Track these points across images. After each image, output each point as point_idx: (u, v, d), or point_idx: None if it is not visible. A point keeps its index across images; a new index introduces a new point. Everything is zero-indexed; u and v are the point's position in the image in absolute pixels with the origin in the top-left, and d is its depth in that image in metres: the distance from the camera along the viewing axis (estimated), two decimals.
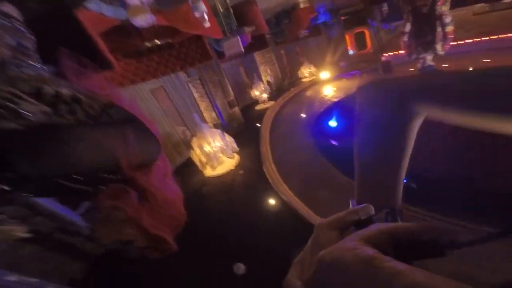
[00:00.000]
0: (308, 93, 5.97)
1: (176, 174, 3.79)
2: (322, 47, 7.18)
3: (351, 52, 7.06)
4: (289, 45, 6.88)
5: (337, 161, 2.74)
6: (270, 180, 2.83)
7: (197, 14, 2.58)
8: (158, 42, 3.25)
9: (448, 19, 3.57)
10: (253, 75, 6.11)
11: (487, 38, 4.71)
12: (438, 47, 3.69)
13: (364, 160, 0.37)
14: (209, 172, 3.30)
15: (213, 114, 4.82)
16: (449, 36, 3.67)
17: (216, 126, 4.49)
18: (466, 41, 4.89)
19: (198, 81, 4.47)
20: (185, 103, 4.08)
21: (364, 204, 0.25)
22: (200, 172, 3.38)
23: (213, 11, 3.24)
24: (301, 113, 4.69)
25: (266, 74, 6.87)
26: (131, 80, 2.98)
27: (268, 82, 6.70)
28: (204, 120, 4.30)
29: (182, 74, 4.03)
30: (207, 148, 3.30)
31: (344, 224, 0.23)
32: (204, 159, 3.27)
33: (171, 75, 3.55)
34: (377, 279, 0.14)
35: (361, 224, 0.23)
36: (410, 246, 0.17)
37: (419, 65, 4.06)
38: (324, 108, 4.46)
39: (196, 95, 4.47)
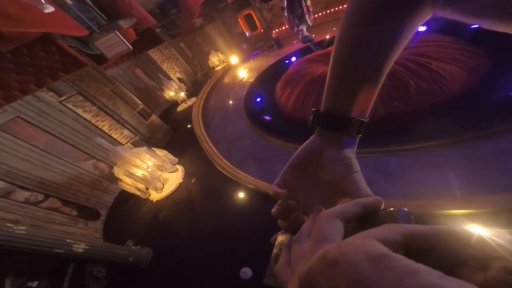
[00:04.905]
0: (226, 80, 5.83)
1: (114, 216, 3.02)
2: (221, 33, 7.05)
3: (247, 34, 7.60)
4: (187, 37, 6.29)
5: (277, 133, 2.85)
6: (227, 174, 2.73)
7: None
8: None
9: None
10: (158, 75, 5.39)
11: (329, 10, 6.15)
12: (307, 19, 4.36)
13: (339, 60, 0.31)
14: (155, 196, 2.64)
15: (125, 132, 3.92)
16: (310, 9, 4.39)
17: (135, 144, 3.72)
18: (319, 14, 6.27)
19: (80, 97, 3.43)
20: (74, 130, 2.97)
21: (371, 198, 0.23)
22: (146, 201, 2.71)
23: (58, 4, 2.36)
24: (227, 100, 4.53)
25: (174, 71, 6.11)
26: None
27: (179, 79, 6.13)
28: (115, 143, 3.45)
29: (44, 94, 2.77)
30: (138, 172, 2.70)
31: (349, 216, 0.21)
32: (142, 186, 2.66)
33: (23, 98, 2.32)
34: (386, 278, 0.12)
35: (366, 219, 0.21)
36: (421, 252, 0.16)
37: (300, 37, 4.87)
38: (246, 90, 4.49)
39: (87, 115, 3.40)
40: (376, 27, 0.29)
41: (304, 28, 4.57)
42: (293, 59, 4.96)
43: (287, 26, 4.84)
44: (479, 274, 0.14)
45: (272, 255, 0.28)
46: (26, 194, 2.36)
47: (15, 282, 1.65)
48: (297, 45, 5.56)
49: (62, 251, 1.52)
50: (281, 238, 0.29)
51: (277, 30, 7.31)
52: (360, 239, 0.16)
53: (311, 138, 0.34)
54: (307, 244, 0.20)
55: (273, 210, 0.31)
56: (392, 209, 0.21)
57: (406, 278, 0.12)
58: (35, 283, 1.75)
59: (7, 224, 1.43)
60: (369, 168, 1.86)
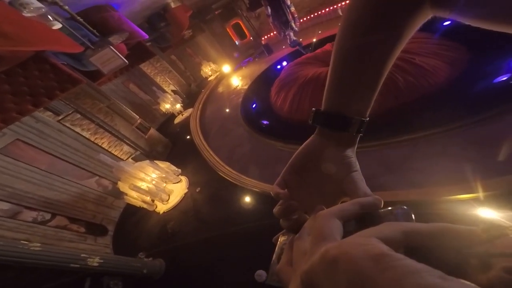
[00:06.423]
0: (220, 89, 5.92)
1: (123, 231, 2.93)
2: (212, 43, 7.19)
3: (237, 42, 7.79)
4: (177, 49, 6.38)
5: (276, 135, 2.93)
6: (231, 180, 2.64)
7: (26, 14, 1.51)
8: None
9: (289, 2, 4.39)
10: (152, 88, 5.43)
11: (313, 15, 6.42)
12: (293, 24, 4.51)
13: (339, 61, 0.31)
14: (162, 207, 2.64)
15: (125, 148, 3.91)
16: (296, 16, 4.59)
17: (136, 159, 3.72)
18: (304, 18, 6.46)
19: (78, 115, 3.45)
20: (75, 149, 2.99)
21: (370, 197, 0.24)
22: (152, 213, 2.70)
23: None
24: (224, 109, 4.60)
25: (168, 84, 6.14)
26: None
27: (174, 91, 6.19)
28: (116, 159, 3.45)
29: (41, 114, 2.74)
30: (143, 185, 2.71)
31: (348, 215, 0.21)
32: (148, 198, 2.66)
33: (21, 120, 2.24)
34: (387, 278, 0.12)
35: (365, 218, 0.21)
36: (422, 250, 0.16)
37: (288, 42, 4.93)
38: (242, 97, 4.58)
39: (85, 134, 3.41)
40: (376, 30, 0.29)
41: (291, 33, 4.76)
42: (284, 63, 5.13)
43: (275, 32, 5.03)
44: (481, 274, 0.14)
45: (274, 254, 0.28)
46: (33, 214, 2.34)
47: None
48: (286, 49, 5.74)
49: (78, 265, 1.52)
50: (283, 237, 0.29)
51: (266, 37, 7.54)
52: (361, 238, 0.16)
53: (311, 137, 0.34)
54: (308, 243, 0.20)
55: (275, 210, 0.31)
56: (391, 208, 0.21)
57: (406, 278, 0.12)
58: None
59: (22, 241, 1.43)
60: (371, 161, 1.93)
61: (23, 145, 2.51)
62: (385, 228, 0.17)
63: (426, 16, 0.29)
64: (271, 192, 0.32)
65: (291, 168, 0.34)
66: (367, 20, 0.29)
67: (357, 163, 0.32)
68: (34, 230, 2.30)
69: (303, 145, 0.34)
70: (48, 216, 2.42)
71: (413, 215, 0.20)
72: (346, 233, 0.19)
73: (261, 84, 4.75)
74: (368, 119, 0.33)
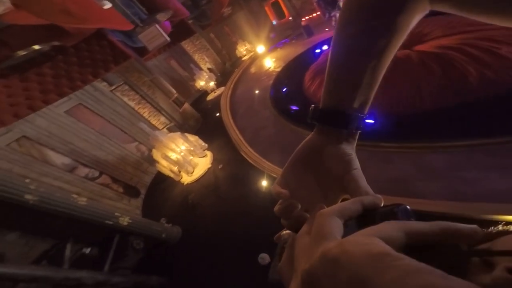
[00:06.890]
0: (252, 69, 5.84)
1: (151, 195, 3.29)
2: (249, 22, 6.98)
3: (274, 22, 7.37)
4: (216, 27, 6.38)
5: (303, 123, 2.85)
6: (252, 162, 2.68)
7: None
8: (37, 47, 2.21)
9: None
10: (190, 66, 5.65)
11: None
12: (341, 4, 4.25)
13: (337, 57, 0.31)
14: (186, 179, 2.86)
15: (162, 118, 4.28)
16: None
17: (170, 129, 4.04)
18: None
19: (126, 87, 3.83)
20: (122, 115, 3.38)
21: (370, 196, 0.24)
22: (178, 183, 2.95)
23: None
24: (254, 90, 4.54)
25: (204, 61, 6.28)
26: (28, 106, 2.06)
27: (209, 69, 6.36)
28: (154, 128, 3.82)
29: (99, 84, 3.15)
30: (173, 155, 2.96)
31: (348, 213, 0.21)
32: (175, 168, 2.92)
33: (84, 87, 2.65)
34: (387, 277, 0.12)
35: (365, 216, 0.21)
36: (423, 249, 0.15)
37: (333, 23, 4.57)
38: (273, 79, 4.45)
39: (131, 103, 3.79)
40: (371, 23, 0.28)
41: (337, 14, 4.26)
42: (325, 47, 4.69)
43: (318, 13, 4.56)
44: (484, 273, 0.13)
45: (276, 252, 0.28)
46: (86, 170, 2.81)
47: (74, 247, 1.91)
48: (329, 32, 5.20)
49: (111, 222, 1.75)
50: (284, 236, 0.29)
51: (307, 18, 6.91)
52: (362, 237, 0.16)
53: (310, 135, 0.34)
54: (309, 242, 0.20)
55: (275, 209, 0.31)
56: (392, 206, 0.20)
57: (407, 278, 0.12)
58: (88, 250, 2.01)
59: (73, 195, 1.73)
60: (410, 164, 1.72)
61: (83, 108, 2.95)
62: (386, 227, 0.16)
63: (424, 10, 0.28)
64: (271, 191, 0.32)
65: (291, 166, 0.33)
66: (363, 14, 0.29)
67: (357, 160, 0.31)
68: (85, 186, 2.76)
69: (302, 143, 0.34)
70: (96, 174, 2.87)
71: (413, 214, 0.19)
72: (347, 232, 0.19)
73: (295, 68, 4.49)
74: (367, 115, 0.32)
